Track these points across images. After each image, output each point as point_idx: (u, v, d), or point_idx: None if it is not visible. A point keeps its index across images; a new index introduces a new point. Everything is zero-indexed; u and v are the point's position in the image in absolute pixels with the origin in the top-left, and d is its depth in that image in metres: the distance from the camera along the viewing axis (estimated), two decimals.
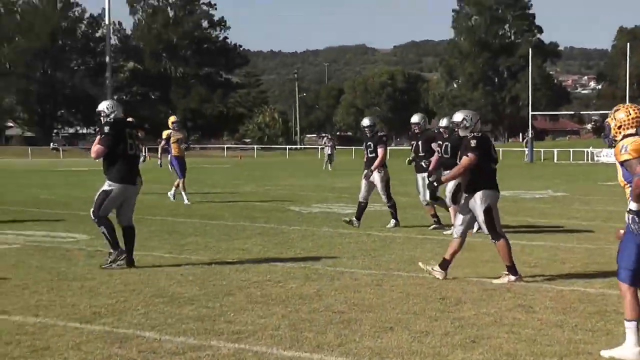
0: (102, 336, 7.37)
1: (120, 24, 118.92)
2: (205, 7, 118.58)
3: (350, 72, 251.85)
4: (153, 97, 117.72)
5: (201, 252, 12.79)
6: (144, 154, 25.99)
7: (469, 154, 10.19)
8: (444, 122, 15.65)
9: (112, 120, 11.38)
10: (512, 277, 10.04)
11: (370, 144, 16.22)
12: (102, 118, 11.49)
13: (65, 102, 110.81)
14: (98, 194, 11.32)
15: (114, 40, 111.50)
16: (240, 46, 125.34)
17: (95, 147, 11.26)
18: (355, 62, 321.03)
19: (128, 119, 11.96)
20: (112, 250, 11.27)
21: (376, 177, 15.95)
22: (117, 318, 8.08)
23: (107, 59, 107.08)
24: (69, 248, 13.10)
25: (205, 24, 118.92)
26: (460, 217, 10.47)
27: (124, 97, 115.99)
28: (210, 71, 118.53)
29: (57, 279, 10.20)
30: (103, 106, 11.60)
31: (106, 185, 11.25)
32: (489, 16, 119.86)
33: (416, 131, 16.13)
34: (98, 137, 11.38)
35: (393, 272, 10.85)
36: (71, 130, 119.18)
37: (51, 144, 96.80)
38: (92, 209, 11.33)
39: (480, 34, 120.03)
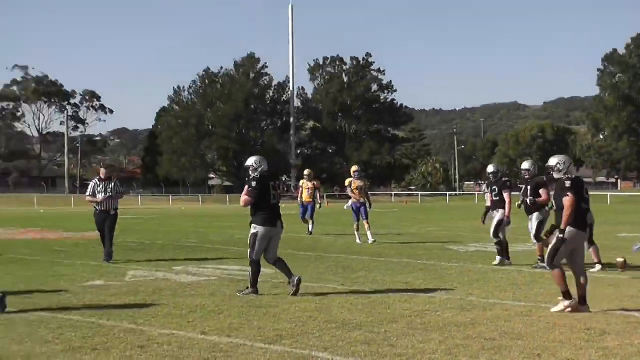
0: (283, 356, 7.47)
1: (303, 89, 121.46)
2: (375, 73, 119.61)
3: (504, 127, 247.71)
4: (330, 151, 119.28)
5: (369, 284, 12.81)
6: (319, 201, 26.25)
7: (568, 194, 9.93)
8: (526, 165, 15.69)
9: (259, 175, 11.72)
10: (567, 302, 9.83)
11: (495, 189, 16.04)
12: (250, 172, 11.85)
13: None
14: (249, 237, 11.70)
15: (297, 103, 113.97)
16: (406, 106, 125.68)
17: (244, 198, 11.69)
18: (508, 117, 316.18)
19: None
20: (250, 287, 11.67)
21: (498, 215, 15.64)
22: (296, 340, 8.19)
23: (292, 119, 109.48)
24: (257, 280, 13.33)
25: (375, 87, 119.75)
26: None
27: (306, 151, 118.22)
28: (379, 128, 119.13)
29: (246, 306, 10.42)
30: (251, 162, 11.95)
31: (252, 229, 11.64)
32: (632, 74, 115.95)
33: (526, 177, 15.68)
34: (246, 188, 11.71)
35: (541, 304, 10.55)
36: None
37: None
38: (249, 251, 11.73)
39: (625, 90, 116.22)
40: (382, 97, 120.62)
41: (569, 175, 10.28)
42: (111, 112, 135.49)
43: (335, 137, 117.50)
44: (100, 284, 12.87)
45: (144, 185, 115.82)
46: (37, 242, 22.66)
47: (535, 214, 15.18)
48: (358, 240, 21.09)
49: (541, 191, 14.94)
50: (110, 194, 16.79)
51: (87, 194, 17.22)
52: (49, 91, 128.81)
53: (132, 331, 8.68)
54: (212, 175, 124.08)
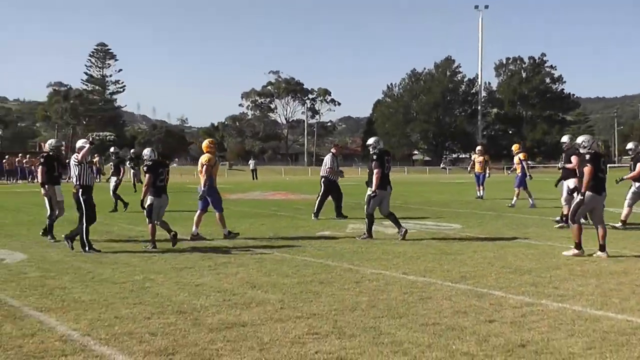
0: (465, 292, 7.32)
1: (489, 83, 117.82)
2: (548, 69, 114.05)
3: None
4: (510, 132, 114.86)
5: (537, 238, 12.26)
6: (488, 172, 24.43)
7: (587, 165, 9.88)
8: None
9: (377, 151, 12.03)
10: (576, 251, 9.91)
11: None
12: (370, 149, 12.08)
13: (451, 137, 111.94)
14: (367, 198, 12.06)
15: (483, 94, 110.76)
16: (574, 94, 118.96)
17: (375, 170, 11.87)
18: None
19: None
20: (366, 233, 12.14)
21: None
22: (477, 281, 7.99)
23: (479, 107, 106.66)
24: (447, 233, 13.10)
25: (547, 80, 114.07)
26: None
27: (491, 133, 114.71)
28: (550, 113, 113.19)
29: (439, 253, 10.27)
30: (371, 141, 12.26)
31: (369, 192, 11.99)
32: None
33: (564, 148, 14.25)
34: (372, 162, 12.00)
35: None
36: (454, 155, 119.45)
37: (441, 164, 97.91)
38: (365, 207, 12.21)
39: None
40: (553, 88, 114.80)
41: (590, 151, 10.11)
42: (339, 104, 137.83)
43: (514, 120, 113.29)
44: (327, 234, 13.10)
45: (363, 160, 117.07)
46: (283, 202, 23.45)
47: (638, 184, 13.89)
48: (531, 202, 19.73)
49: (572, 158, 13.44)
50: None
51: (328, 166, 16.70)
52: (294, 89, 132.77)
53: (350, 270, 8.81)
54: (415, 152, 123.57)
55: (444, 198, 25.21)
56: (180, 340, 5.48)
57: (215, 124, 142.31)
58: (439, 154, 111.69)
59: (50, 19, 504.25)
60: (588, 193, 9.85)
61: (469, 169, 24.93)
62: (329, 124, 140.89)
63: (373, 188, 11.95)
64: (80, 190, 10.66)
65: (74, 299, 7.05)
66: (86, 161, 10.99)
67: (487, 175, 23.71)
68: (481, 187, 23.68)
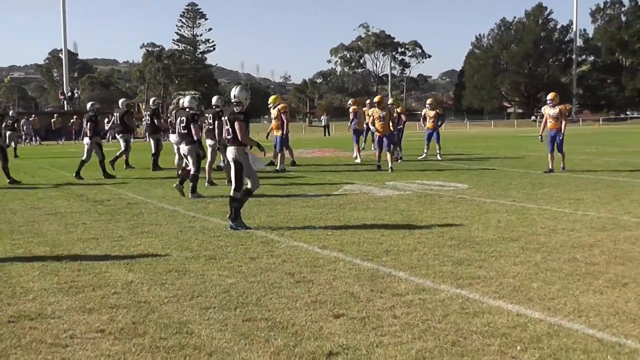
0: (364, 272, 6.12)
1: (584, 30, 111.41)
2: None
3: None
4: (608, 81, 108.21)
5: (542, 201, 10.72)
6: None
7: None
8: None
9: None
10: None
11: None
12: None
13: (544, 88, 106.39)
14: None
15: (579, 42, 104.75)
16: None
17: None
18: None
19: None
20: None
21: None
22: (394, 258, 6.73)
23: (574, 56, 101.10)
24: (442, 194, 11.67)
25: None
26: None
27: (588, 82, 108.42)
28: None
29: (401, 221, 8.97)
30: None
31: None
32: None
33: None
34: None
35: None
36: None
37: (532, 117, 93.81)
38: None
39: None
40: None
41: None
42: (429, 56, 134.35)
43: (612, 69, 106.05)
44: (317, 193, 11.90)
45: (455, 114, 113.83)
46: (308, 159, 22.04)
47: None
48: None
49: None
50: None
51: None
52: (384, 43, 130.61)
53: (265, 241, 7.71)
54: (507, 104, 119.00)
55: (492, 153, 23.37)
56: None
57: (307, 81, 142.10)
58: (531, 107, 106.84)
59: None
60: None
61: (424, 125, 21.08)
62: (418, 77, 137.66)
63: None
64: None
65: None
66: None
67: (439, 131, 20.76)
68: (427, 146, 20.83)
